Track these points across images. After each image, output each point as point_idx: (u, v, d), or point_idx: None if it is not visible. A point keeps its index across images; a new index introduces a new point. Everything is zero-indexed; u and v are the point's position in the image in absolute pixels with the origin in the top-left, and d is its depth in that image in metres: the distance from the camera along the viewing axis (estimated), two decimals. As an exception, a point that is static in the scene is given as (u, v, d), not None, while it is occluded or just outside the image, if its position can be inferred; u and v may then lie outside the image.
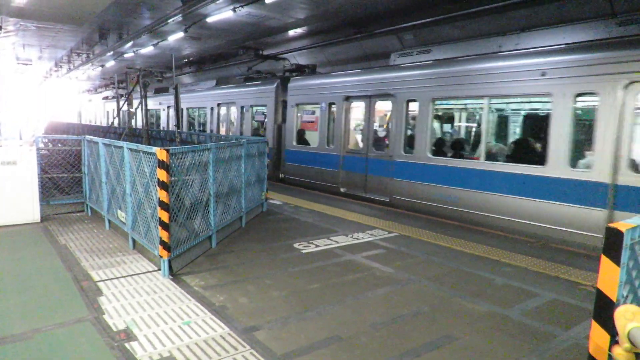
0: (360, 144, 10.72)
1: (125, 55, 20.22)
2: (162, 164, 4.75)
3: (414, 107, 9.18)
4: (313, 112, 11.96)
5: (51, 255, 5.59)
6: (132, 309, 4.11)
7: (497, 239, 6.93)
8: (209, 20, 12.71)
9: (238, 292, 4.58)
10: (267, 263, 5.53)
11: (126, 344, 3.46)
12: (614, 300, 2.06)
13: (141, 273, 5.05)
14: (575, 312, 4.31)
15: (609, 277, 2.07)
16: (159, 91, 22.44)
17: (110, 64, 22.99)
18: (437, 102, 8.87)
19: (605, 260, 2.09)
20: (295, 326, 3.85)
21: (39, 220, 7.21)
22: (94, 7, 12.04)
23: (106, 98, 31.05)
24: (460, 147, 8.99)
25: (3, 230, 6.70)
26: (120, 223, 6.37)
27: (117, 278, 4.88)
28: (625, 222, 2.10)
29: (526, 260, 5.87)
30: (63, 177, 8.06)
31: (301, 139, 12.43)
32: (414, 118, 9.25)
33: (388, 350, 3.48)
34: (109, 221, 6.93)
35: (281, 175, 13.15)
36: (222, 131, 16.53)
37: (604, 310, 2.08)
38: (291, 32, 14.73)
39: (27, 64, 25.63)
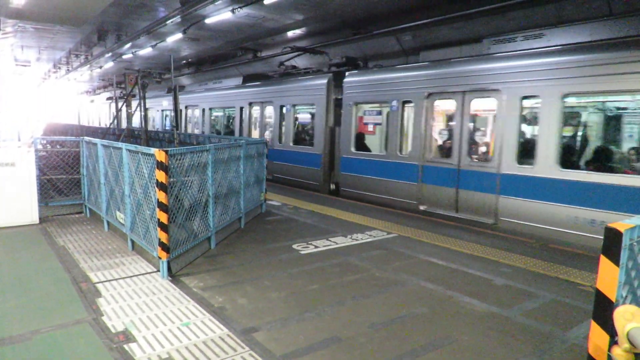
0: (449, 152, 8.49)
1: (124, 57, 20.20)
2: (160, 165, 4.75)
3: (530, 104, 7.48)
4: (379, 113, 10.10)
5: (50, 257, 5.58)
6: (131, 310, 4.10)
7: (497, 239, 6.93)
8: (208, 21, 12.71)
9: (237, 293, 4.57)
10: (266, 264, 5.53)
11: (125, 346, 3.45)
12: (613, 300, 2.06)
13: (140, 274, 5.05)
14: (574, 312, 4.31)
15: (608, 277, 2.08)
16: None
17: (109, 65, 22.97)
18: (568, 99, 6.97)
19: (604, 261, 2.09)
20: (295, 327, 3.85)
21: (37, 222, 7.19)
22: (92, 8, 12.03)
23: (110, 99, 30.78)
24: (607, 157, 7.02)
25: (2, 232, 6.68)
26: (119, 224, 6.36)
27: (116, 279, 4.87)
28: (624, 223, 2.10)
29: (525, 260, 5.87)
30: (61, 178, 8.05)
31: (361, 144, 10.54)
32: (531, 119, 7.56)
33: (387, 351, 3.48)
34: (108, 222, 6.92)
35: (332, 187, 11.32)
36: (255, 134, 14.43)
37: (603, 310, 2.09)
38: (290, 33, 14.73)
39: (25, 66, 25.60)
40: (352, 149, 10.48)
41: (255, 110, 14.45)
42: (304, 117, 12.64)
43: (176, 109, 12.23)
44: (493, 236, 7.12)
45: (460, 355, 3.47)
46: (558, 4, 8.83)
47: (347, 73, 10.85)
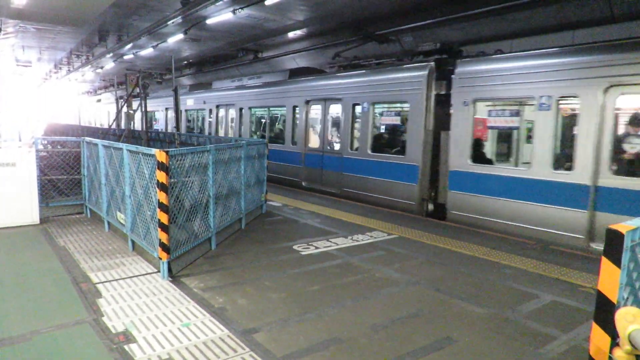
0: None
1: (125, 57, 20.24)
2: (161, 166, 4.75)
3: None
4: (514, 113, 7.67)
5: (50, 257, 5.58)
6: (131, 310, 4.10)
7: (497, 240, 6.91)
8: (209, 22, 12.74)
9: (237, 293, 4.57)
10: (267, 265, 5.53)
11: (125, 346, 3.45)
12: (615, 302, 2.05)
13: (140, 275, 5.04)
14: (575, 314, 4.30)
15: (610, 278, 2.07)
16: (197, 88, 18.65)
17: (110, 65, 23.01)
18: None
19: (605, 262, 2.09)
20: (295, 328, 3.85)
21: (38, 222, 7.19)
22: (93, 8, 12.06)
23: (121, 98, 30.12)
24: None
25: (2, 232, 6.68)
26: (119, 225, 6.36)
27: (116, 280, 4.87)
28: (626, 224, 2.10)
29: (526, 262, 5.86)
30: (62, 178, 8.05)
31: (480, 154, 8.22)
32: None
33: (387, 352, 3.47)
34: (109, 223, 6.92)
35: (429, 207, 8.87)
36: (314, 140, 11.91)
37: (604, 312, 2.08)
38: (291, 34, 14.74)
39: (26, 66, 25.64)
40: (468, 161, 8.01)
41: (315, 110, 11.96)
42: (389, 118, 10.00)
43: (177, 110, 12.30)
44: (494, 238, 7.11)
45: (461, 356, 3.46)
46: None
47: (458, 61, 8.35)
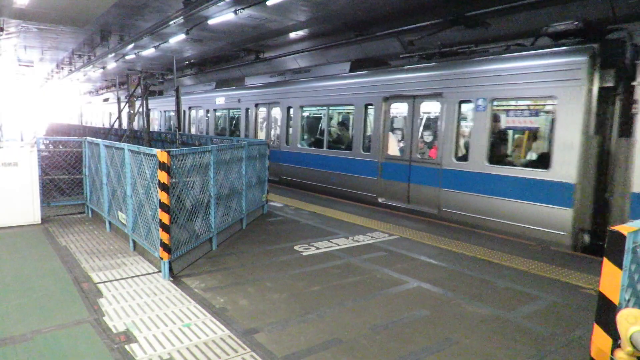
0: None
1: (127, 57, 20.28)
2: (162, 166, 4.75)
3: None
4: None
5: (52, 257, 5.59)
6: (132, 310, 4.11)
7: (498, 242, 6.90)
8: (211, 22, 12.76)
9: (238, 294, 4.57)
10: (268, 265, 5.53)
11: (126, 346, 3.45)
12: (616, 303, 2.05)
13: (141, 275, 5.05)
14: (576, 315, 4.29)
15: (611, 280, 2.06)
16: (225, 84, 16.59)
17: (112, 65, 23.05)
18: None
19: (607, 264, 2.08)
20: (296, 328, 3.84)
21: (39, 222, 7.21)
22: (95, 9, 12.08)
23: (133, 96, 29.10)
24: None
25: (3, 232, 6.70)
26: (120, 225, 6.37)
27: (118, 280, 4.87)
28: (628, 225, 2.09)
29: (527, 263, 5.85)
30: (64, 178, 8.07)
31: None
32: None
33: (388, 353, 3.47)
34: (110, 223, 6.92)
35: (585, 239, 6.62)
36: (394, 148, 9.68)
37: (606, 313, 2.08)
38: (292, 35, 14.76)
39: (28, 66, 25.71)
40: None
41: (397, 109, 9.94)
42: (520, 119, 7.63)
43: (178, 110, 12.30)
44: (495, 239, 7.10)
45: (462, 357, 3.46)
46: None
47: None
